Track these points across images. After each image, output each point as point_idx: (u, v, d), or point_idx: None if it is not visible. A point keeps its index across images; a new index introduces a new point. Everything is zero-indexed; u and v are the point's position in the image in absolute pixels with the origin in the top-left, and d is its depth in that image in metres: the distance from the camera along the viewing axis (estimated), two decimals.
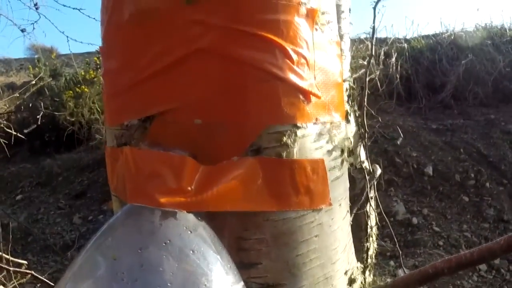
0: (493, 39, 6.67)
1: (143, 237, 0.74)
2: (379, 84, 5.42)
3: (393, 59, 6.27)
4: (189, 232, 0.77)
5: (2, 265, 2.20)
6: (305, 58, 0.91)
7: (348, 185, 1.09)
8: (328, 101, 0.98)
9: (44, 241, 4.41)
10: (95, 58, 7.56)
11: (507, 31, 6.88)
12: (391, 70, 6.20)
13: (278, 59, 0.88)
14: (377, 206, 1.39)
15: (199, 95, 0.88)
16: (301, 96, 0.91)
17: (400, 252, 2.88)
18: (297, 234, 0.93)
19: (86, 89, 6.63)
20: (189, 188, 0.81)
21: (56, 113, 5.70)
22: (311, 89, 0.92)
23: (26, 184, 5.88)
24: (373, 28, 2.66)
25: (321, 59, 0.96)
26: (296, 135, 0.91)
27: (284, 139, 0.89)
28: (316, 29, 0.95)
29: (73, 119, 6.42)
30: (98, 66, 7.34)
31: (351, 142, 1.09)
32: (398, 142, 4.40)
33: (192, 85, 0.88)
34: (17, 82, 9.19)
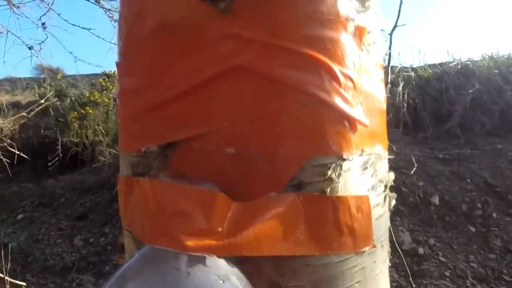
0: (500, 69, 6.68)
1: None
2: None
3: (400, 88, 6.26)
4: (221, 281, 0.64)
5: None
6: (352, 81, 0.80)
7: (389, 223, 0.97)
8: (373, 130, 0.87)
9: (44, 262, 4.36)
10: (101, 80, 7.56)
11: None
12: (398, 98, 6.18)
13: (324, 81, 0.76)
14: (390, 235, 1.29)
15: (232, 120, 0.76)
16: (347, 124, 0.80)
17: (412, 282, 2.81)
18: (339, 280, 0.80)
19: (90, 111, 6.62)
20: (220, 229, 0.69)
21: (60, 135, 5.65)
22: (358, 116, 0.81)
23: (27, 203, 5.84)
24: (389, 55, 2.60)
25: (367, 83, 0.85)
26: (341, 168, 0.79)
27: (329, 173, 0.77)
28: (362, 50, 0.85)
29: (77, 140, 6.41)
30: (103, 88, 7.34)
31: (392, 177, 0.97)
32: (412, 172, 4.32)
33: (224, 109, 0.76)
34: (22, 101, 9.15)
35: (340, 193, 0.79)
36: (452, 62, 7.13)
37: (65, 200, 5.75)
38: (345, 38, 0.80)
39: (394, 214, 4.26)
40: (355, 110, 0.80)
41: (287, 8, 0.76)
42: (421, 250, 3.85)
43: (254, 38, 0.75)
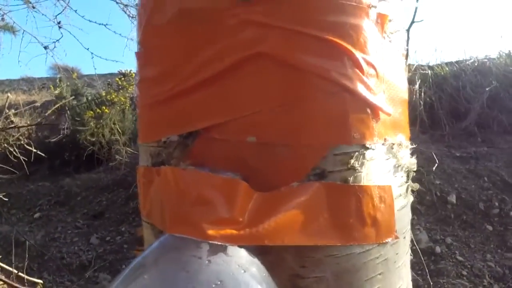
0: None
1: (189, 276, 0.59)
2: None
3: (417, 86, 6.20)
4: (243, 271, 0.62)
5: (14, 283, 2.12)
6: (375, 69, 0.78)
7: (410, 215, 0.96)
8: (396, 119, 0.85)
9: (61, 260, 4.36)
10: (117, 79, 7.57)
11: None
12: (414, 96, 6.12)
13: (347, 68, 0.75)
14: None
15: (254, 108, 0.74)
16: (370, 112, 0.78)
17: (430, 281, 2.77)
18: (362, 272, 0.78)
19: (106, 110, 6.63)
20: (241, 219, 0.68)
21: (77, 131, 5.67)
22: (381, 104, 0.79)
23: (44, 202, 5.85)
24: (407, 52, 2.57)
25: (389, 71, 0.83)
26: (364, 157, 0.77)
27: (352, 161, 0.76)
28: (384, 38, 0.83)
29: (93, 139, 6.42)
30: (120, 87, 7.35)
31: (415, 166, 0.95)
32: (434, 169, 4.28)
33: (245, 97, 0.75)
34: (39, 101, 9.18)
35: (363, 182, 0.78)
36: (469, 59, 7.05)
37: (82, 199, 5.75)
38: (368, 25, 0.78)
39: (411, 212, 4.25)
40: (378, 98, 0.79)
41: None
42: (438, 249, 3.81)
43: (276, 24, 0.73)
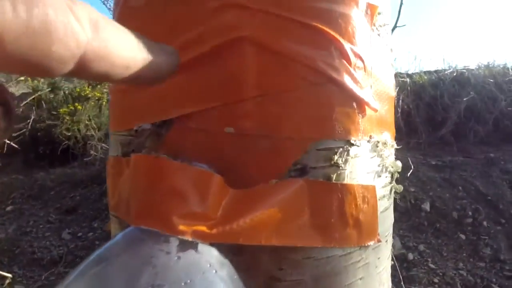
0: (495, 78, 6.74)
1: (157, 271, 0.54)
2: None
3: (395, 93, 6.27)
4: (214, 271, 0.57)
5: None
6: (362, 61, 0.74)
7: (393, 218, 0.92)
8: (382, 116, 0.81)
9: (32, 255, 4.31)
10: None
11: (510, 70, 6.94)
12: None
13: (334, 58, 0.70)
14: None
15: (234, 97, 0.68)
16: (355, 106, 0.73)
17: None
18: (342, 276, 0.74)
19: (79, 106, 6.59)
20: (214, 215, 0.63)
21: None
22: (368, 99, 0.74)
23: (17, 195, 5.78)
24: None
25: (377, 65, 0.79)
26: (348, 154, 0.73)
27: (335, 158, 0.71)
28: (373, 30, 0.79)
29: (69, 134, 6.37)
30: (96, 83, 7.29)
31: (399, 168, 0.91)
32: (408, 175, 4.30)
33: (225, 84, 0.69)
34: (16, 93, 9.06)
35: (346, 180, 0.73)
36: (448, 69, 7.14)
37: (55, 193, 5.70)
38: (357, 15, 0.74)
39: None
40: (364, 92, 0.74)
41: None
42: (410, 256, 3.85)
43: (259, 8, 0.68)
